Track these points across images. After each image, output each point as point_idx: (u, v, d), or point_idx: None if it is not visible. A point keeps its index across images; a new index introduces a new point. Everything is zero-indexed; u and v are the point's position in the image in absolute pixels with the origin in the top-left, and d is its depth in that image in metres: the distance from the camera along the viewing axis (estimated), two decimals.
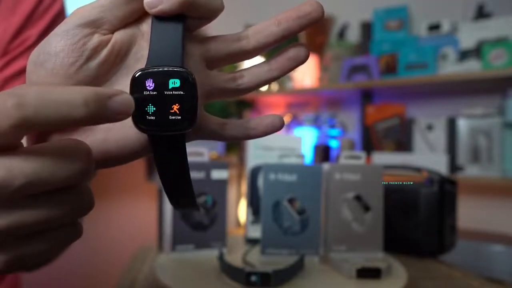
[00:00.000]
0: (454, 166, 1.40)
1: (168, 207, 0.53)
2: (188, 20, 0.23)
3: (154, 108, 0.21)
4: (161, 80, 0.21)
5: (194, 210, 0.27)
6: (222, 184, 0.55)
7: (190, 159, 0.54)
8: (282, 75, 0.26)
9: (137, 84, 0.21)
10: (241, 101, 1.89)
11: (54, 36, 0.21)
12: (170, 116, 0.21)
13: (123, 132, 0.22)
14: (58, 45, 0.21)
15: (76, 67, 0.21)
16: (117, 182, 1.50)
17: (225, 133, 0.26)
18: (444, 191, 0.62)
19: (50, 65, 0.21)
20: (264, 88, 1.88)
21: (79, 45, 0.21)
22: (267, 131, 0.26)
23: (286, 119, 1.88)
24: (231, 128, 0.26)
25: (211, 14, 0.23)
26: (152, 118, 0.21)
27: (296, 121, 1.85)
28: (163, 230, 0.56)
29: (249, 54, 0.25)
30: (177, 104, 0.21)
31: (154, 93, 0.21)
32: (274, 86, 1.85)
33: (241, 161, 1.95)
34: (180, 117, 0.21)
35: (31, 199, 0.18)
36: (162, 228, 0.57)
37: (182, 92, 0.21)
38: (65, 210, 0.19)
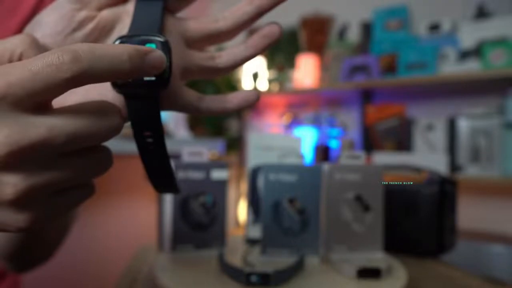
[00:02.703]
0: (454, 166, 1.40)
1: (168, 207, 0.53)
2: (169, 0, 0.25)
3: None
4: (138, 44, 0.22)
5: (173, 190, 0.27)
6: (222, 184, 0.54)
7: (190, 159, 0.54)
8: (258, 53, 0.27)
9: None
10: None
11: (46, 10, 0.24)
12: (145, 78, 0.22)
13: (101, 94, 0.24)
14: (48, 16, 0.24)
15: (62, 36, 0.24)
16: (117, 182, 1.50)
17: (202, 105, 0.27)
18: (444, 191, 0.62)
19: (39, 33, 0.23)
20: (264, 88, 1.88)
21: (67, 17, 0.24)
22: (241, 104, 0.28)
23: (286, 119, 1.88)
24: (207, 101, 0.27)
25: None
26: (129, 80, 0.22)
27: (296, 121, 1.85)
28: (163, 230, 0.56)
29: (226, 34, 0.27)
30: None
31: None
32: (274, 86, 1.85)
33: (241, 161, 1.95)
34: (154, 78, 0.22)
35: (64, 157, 0.19)
36: (162, 228, 0.57)
37: None
38: (93, 168, 0.21)
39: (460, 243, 0.71)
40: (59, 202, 0.20)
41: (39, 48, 0.22)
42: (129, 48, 0.19)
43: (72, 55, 0.17)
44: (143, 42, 0.22)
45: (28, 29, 0.24)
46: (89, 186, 0.22)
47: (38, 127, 0.17)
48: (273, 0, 0.26)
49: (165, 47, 0.23)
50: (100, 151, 0.21)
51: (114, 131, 0.20)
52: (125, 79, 0.20)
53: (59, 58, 0.17)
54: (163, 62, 0.20)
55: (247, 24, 0.27)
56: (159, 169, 0.25)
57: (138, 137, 0.23)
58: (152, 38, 0.23)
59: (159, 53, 0.20)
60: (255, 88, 1.90)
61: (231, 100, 0.27)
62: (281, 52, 1.92)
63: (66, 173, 0.19)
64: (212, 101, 0.27)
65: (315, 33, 1.78)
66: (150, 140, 0.23)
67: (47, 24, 0.23)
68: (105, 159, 0.22)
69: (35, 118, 0.18)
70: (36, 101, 0.18)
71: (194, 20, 0.27)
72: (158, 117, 0.23)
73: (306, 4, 1.86)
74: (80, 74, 0.17)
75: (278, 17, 0.27)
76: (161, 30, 0.24)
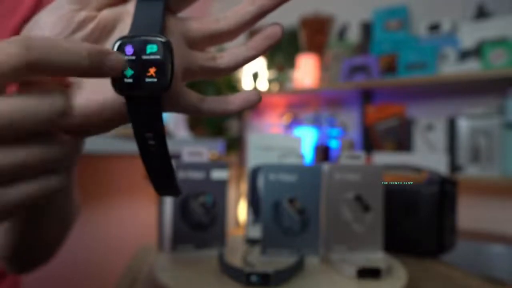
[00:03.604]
0: (454, 166, 1.40)
1: (168, 207, 0.53)
2: (170, 0, 0.25)
3: (132, 72, 0.22)
4: (140, 46, 0.22)
5: (174, 193, 0.27)
6: (222, 184, 0.55)
7: (190, 159, 0.54)
8: (259, 54, 0.27)
9: (117, 50, 0.22)
10: None
11: (45, 10, 0.24)
12: (146, 79, 0.22)
13: (104, 95, 0.23)
14: (47, 17, 0.23)
15: (61, 37, 0.23)
16: (117, 182, 1.50)
17: (203, 106, 0.27)
18: (444, 191, 0.62)
19: (38, 35, 0.23)
20: (264, 88, 1.88)
21: (66, 18, 0.23)
22: (243, 105, 0.27)
23: (286, 119, 1.88)
24: (209, 102, 0.27)
25: None
26: (130, 80, 0.22)
27: (296, 121, 1.85)
28: (163, 230, 0.56)
29: (228, 35, 0.27)
30: (153, 68, 0.22)
31: (133, 57, 0.22)
32: (274, 86, 1.85)
33: (241, 161, 1.95)
34: (156, 80, 0.22)
35: (9, 142, 0.19)
36: (162, 228, 0.57)
37: (158, 57, 0.22)
38: (42, 155, 0.20)
39: (460, 243, 0.71)
40: (7, 194, 0.20)
41: None
42: (89, 45, 0.19)
43: (24, 43, 0.17)
44: (144, 43, 0.22)
45: (26, 30, 0.24)
46: (50, 176, 0.21)
47: None
48: (275, 0, 0.25)
49: (167, 47, 0.22)
50: (52, 139, 0.20)
51: (56, 114, 0.19)
52: (84, 77, 0.20)
53: (11, 46, 0.17)
54: (122, 65, 0.21)
55: (249, 25, 0.26)
56: (161, 171, 0.25)
57: (140, 139, 0.23)
58: (153, 38, 0.22)
59: (119, 56, 0.21)
60: (255, 89, 1.90)
61: (233, 101, 0.27)
62: (281, 52, 1.92)
63: (11, 160, 0.19)
64: (214, 102, 0.27)
65: (315, 33, 1.78)
66: (151, 142, 0.23)
67: (45, 25, 0.23)
68: (60, 149, 0.21)
69: None
70: None
71: (196, 20, 0.26)
72: (160, 118, 0.23)
73: (306, 4, 1.86)
74: (31, 62, 0.17)
75: (278, 17, 0.26)
76: (162, 30, 0.23)
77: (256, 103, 0.27)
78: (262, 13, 0.26)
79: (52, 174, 0.21)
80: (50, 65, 0.18)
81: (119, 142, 1.00)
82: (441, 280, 0.52)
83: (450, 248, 0.64)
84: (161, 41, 0.22)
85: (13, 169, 0.19)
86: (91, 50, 0.19)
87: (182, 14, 0.27)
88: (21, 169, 0.19)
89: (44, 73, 0.18)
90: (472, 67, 1.35)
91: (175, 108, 0.26)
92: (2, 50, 0.17)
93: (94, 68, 0.19)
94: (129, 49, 0.22)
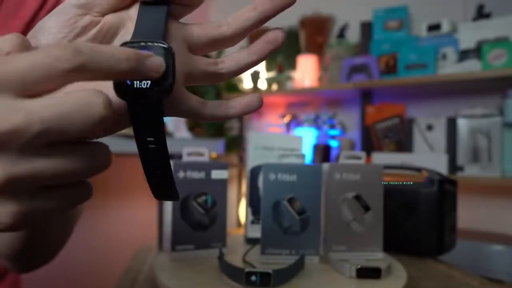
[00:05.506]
0: (454, 166, 1.40)
1: (168, 207, 0.53)
2: (172, 6, 0.25)
3: None
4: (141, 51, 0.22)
5: (173, 197, 0.27)
6: (222, 184, 0.55)
7: (190, 159, 0.54)
8: (261, 59, 0.27)
9: None
10: None
11: (50, 15, 0.24)
12: (148, 84, 0.22)
13: None
14: (52, 22, 0.24)
15: (66, 41, 0.23)
16: (117, 182, 1.50)
17: (205, 111, 0.27)
18: (444, 191, 0.62)
19: (43, 39, 0.23)
20: (264, 88, 1.88)
21: (70, 22, 0.23)
22: (245, 109, 0.27)
23: (286, 119, 1.88)
24: (210, 107, 0.27)
25: (194, 0, 0.25)
26: (132, 85, 0.22)
27: (296, 121, 1.85)
28: (163, 230, 0.56)
29: (230, 40, 0.27)
30: None
31: None
32: (274, 86, 1.85)
33: (241, 161, 1.95)
34: (157, 85, 0.22)
35: (49, 148, 0.18)
36: (162, 228, 0.57)
37: None
38: (83, 164, 0.20)
39: (460, 243, 0.71)
40: (48, 199, 0.20)
41: (28, 50, 0.21)
42: (128, 49, 0.19)
43: (73, 47, 0.17)
44: (146, 48, 0.22)
45: (31, 34, 0.24)
46: (85, 186, 0.21)
47: (18, 112, 0.17)
48: (276, 6, 0.25)
49: (168, 53, 0.22)
50: (94, 147, 0.20)
51: (100, 124, 0.19)
52: (124, 79, 0.20)
53: (60, 50, 0.17)
54: (162, 67, 0.21)
55: (250, 30, 0.27)
56: (160, 175, 0.25)
57: (140, 143, 0.23)
58: (155, 44, 0.22)
59: (158, 58, 0.21)
60: (256, 89, 1.90)
61: (234, 106, 0.27)
62: (281, 52, 1.92)
63: (52, 165, 0.18)
64: (215, 107, 0.27)
65: (315, 33, 1.78)
66: (152, 146, 0.23)
67: (50, 30, 0.23)
68: (99, 155, 0.20)
69: (20, 102, 0.17)
70: (34, 90, 0.18)
71: (197, 25, 0.27)
72: (161, 123, 0.23)
73: (306, 4, 1.86)
74: (79, 66, 0.17)
75: (278, 17, 0.26)
76: (164, 36, 0.24)
77: (257, 108, 0.27)
78: (264, 19, 0.26)
79: (85, 184, 0.21)
80: (95, 69, 0.18)
81: (119, 142, 1.00)
82: (441, 280, 0.52)
83: (450, 248, 0.64)
84: (163, 47, 0.22)
85: (56, 172, 0.19)
86: (129, 53, 0.19)
87: (182, 19, 0.27)
88: (63, 173, 0.19)
89: (88, 78, 0.18)
90: (471, 67, 1.35)
91: (176, 112, 0.26)
92: (52, 53, 0.17)
93: (133, 70, 0.20)
94: None
